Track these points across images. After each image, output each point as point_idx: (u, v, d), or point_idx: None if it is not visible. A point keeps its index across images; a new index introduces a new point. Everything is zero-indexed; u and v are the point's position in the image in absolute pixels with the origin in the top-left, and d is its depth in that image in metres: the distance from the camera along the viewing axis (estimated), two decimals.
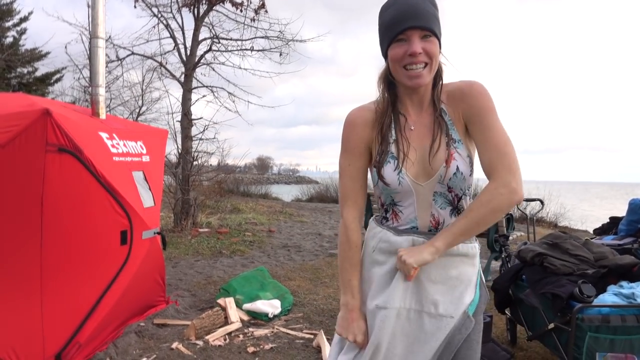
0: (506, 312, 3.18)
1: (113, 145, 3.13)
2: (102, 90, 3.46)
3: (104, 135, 3.09)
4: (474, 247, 1.32)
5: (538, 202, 4.84)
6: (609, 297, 2.35)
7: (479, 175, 1.34)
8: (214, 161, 10.75)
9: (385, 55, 1.29)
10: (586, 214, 14.45)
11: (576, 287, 2.34)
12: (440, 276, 1.27)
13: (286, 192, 20.92)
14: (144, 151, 3.54)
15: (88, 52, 8.53)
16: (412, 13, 1.20)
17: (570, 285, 2.42)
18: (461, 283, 1.29)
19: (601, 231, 4.54)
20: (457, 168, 1.25)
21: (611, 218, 4.51)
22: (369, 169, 1.39)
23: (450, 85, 1.31)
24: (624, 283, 2.48)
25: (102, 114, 3.42)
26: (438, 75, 1.30)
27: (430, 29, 1.21)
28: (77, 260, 2.75)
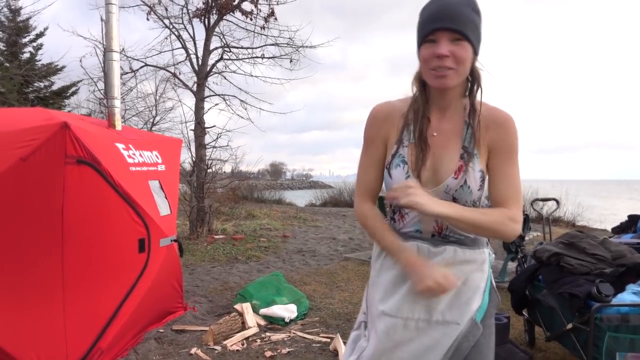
0: (523, 313, 3.15)
1: (129, 156, 3.20)
2: (117, 102, 3.54)
3: (120, 146, 3.17)
4: (482, 252, 1.32)
5: (554, 201, 4.79)
6: (628, 296, 2.32)
7: None
8: (227, 168, 10.88)
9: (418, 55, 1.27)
10: (605, 213, 14.20)
11: (594, 287, 2.32)
12: None
13: (300, 197, 21.00)
14: (160, 160, 3.61)
15: (102, 65, 8.71)
16: (444, 14, 1.18)
17: (587, 285, 2.39)
18: (468, 289, 1.28)
19: (620, 230, 4.46)
20: (465, 181, 1.25)
21: (630, 216, 4.43)
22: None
23: (482, 105, 1.28)
24: None
25: (118, 126, 3.50)
26: (476, 83, 1.26)
27: (461, 32, 1.17)
28: (97, 268, 2.82)
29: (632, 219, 4.29)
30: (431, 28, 1.19)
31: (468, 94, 1.28)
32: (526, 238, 4.88)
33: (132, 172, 3.15)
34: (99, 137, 2.95)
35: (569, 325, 2.45)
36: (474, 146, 1.27)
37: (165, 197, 3.54)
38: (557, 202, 4.74)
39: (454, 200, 1.27)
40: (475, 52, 1.22)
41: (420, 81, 1.30)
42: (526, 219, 5.30)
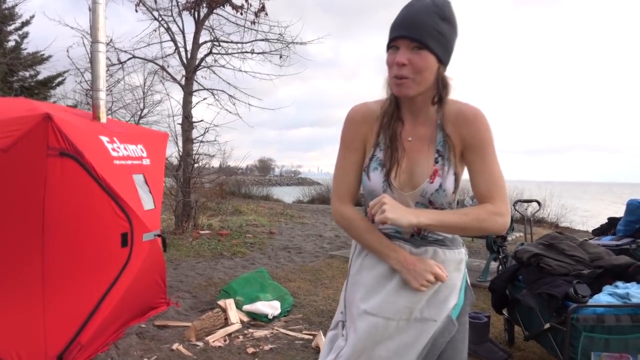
0: (503, 312, 3.20)
1: (114, 149, 3.16)
2: (102, 95, 3.50)
3: (104, 139, 3.13)
4: (460, 252, 1.37)
5: (536, 203, 4.87)
6: (604, 297, 2.38)
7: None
8: (215, 163, 10.80)
9: None
10: (587, 215, 14.44)
11: (571, 288, 2.37)
12: None
13: (287, 194, 20.93)
14: (144, 154, 3.58)
15: (89, 55, 8.58)
16: (405, 22, 1.19)
17: (565, 286, 2.44)
18: (446, 287, 1.32)
19: (600, 232, 4.55)
20: (440, 185, 1.27)
21: (609, 219, 4.53)
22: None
23: (452, 104, 1.28)
24: (619, 283, 2.50)
25: (103, 118, 3.46)
26: (444, 91, 1.26)
27: (420, 41, 1.17)
28: (78, 262, 2.78)
29: (612, 222, 4.38)
30: (392, 36, 1.21)
31: (437, 101, 1.28)
32: (508, 238, 4.95)
33: (116, 166, 3.12)
34: (82, 130, 2.92)
35: (547, 325, 2.50)
36: (447, 150, 1.29)
37: (150, 192, 3.51)
38: (539, 203, 4.82)
39: (430, 203, 1.30)
40: (441, 61, 1.21)
41: None
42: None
